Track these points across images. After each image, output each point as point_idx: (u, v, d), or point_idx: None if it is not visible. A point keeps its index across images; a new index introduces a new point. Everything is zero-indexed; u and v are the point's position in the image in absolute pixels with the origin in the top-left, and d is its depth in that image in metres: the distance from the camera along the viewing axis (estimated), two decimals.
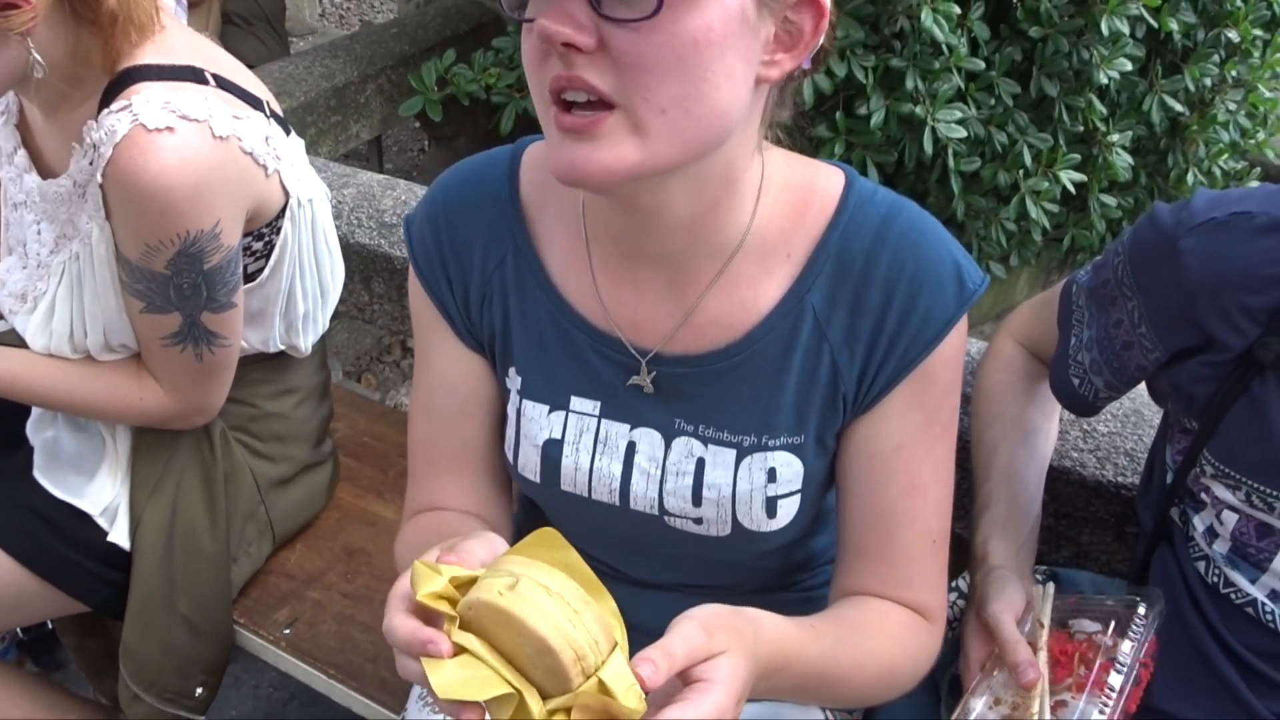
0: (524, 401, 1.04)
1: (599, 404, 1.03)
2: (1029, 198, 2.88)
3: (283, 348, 1.53)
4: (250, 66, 1.43)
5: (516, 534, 1.22)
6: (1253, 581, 1.04)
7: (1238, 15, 3.00)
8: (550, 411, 1.04)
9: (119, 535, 1.44)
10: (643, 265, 0.98)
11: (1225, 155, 3.41)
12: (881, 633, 0.98)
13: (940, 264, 0.94)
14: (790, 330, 0.97)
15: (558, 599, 0.66)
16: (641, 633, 1.09)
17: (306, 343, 1.55)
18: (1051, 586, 1.12)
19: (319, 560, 1.65)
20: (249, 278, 1.39)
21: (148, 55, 1.24)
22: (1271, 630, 1.02)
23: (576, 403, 1.03)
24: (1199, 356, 1.03)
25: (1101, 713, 0.96)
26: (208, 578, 1.48)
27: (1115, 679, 0.98)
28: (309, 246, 1.45)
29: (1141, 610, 1.02)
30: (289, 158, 1.36)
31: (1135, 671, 1.00)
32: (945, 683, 1.23)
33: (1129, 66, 2.78)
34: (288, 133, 1.41)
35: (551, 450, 1.04)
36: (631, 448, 1.03)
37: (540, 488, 1.07)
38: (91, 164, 1.21)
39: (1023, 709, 1.00)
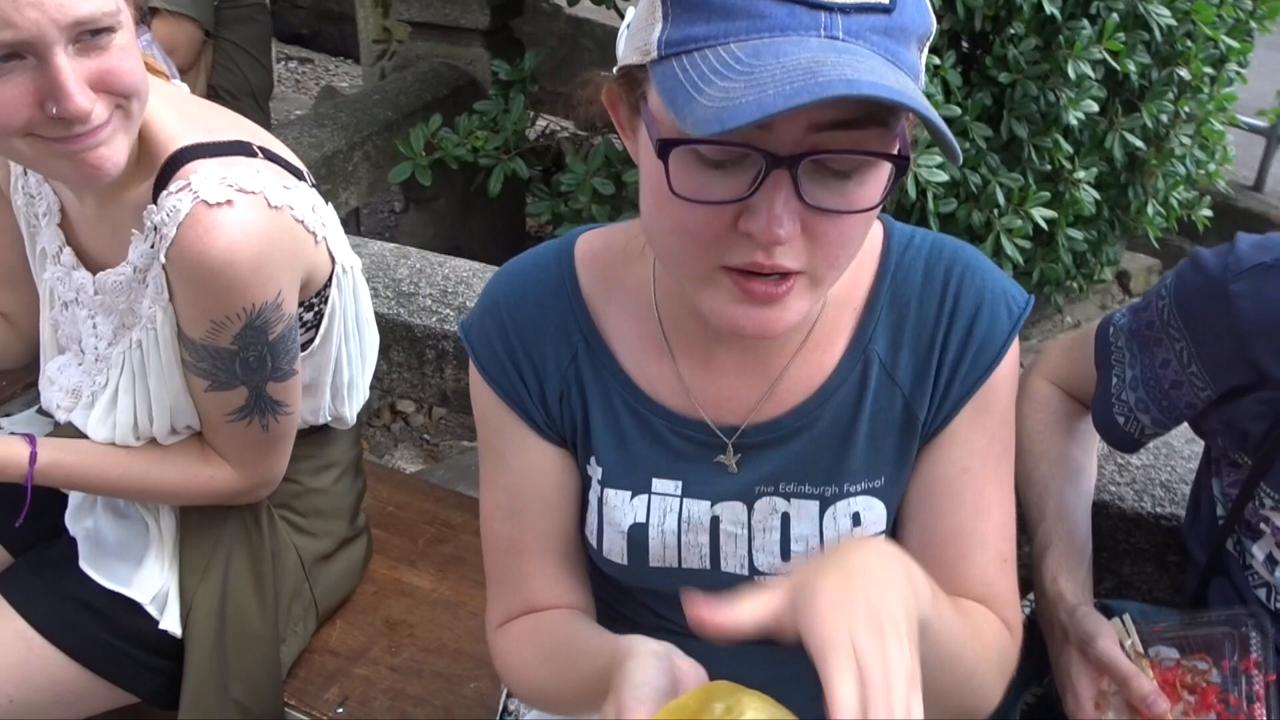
0: (605, 490, 1.06)
1: (680, 484, 1.05)
2: (1002, 235, 2.98)
3: (329, 419, 1.53)
4: None
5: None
6: None
7: (1189, 55, 3.15)
8: (633, 497, 1.05)
9: (170, 622, 1.41)
10: (731, 347, 1.01)
11: (1180, 186, 3.56)
12: (982, 620, 0.99)
13: (987, 289, 0.99)
14: (859, 380, 1.01)
15: None
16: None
17: (352, 412, 1.55)
18: (1129, 618, 1.15)
19: (361, 636, 1.63)
20: (302, 347, 1.39)
21: (193, 135, 1.25)
22: None
23: (658, 484, 1.05)
24: (1254, 394, 1.09)
25: None
26: (258, 660, 1.46)
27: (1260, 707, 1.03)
28: (353, 313, 1.46)
29: (1254, 634, 1.07)
30: (331, 225, 1.38)
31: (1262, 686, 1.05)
32: (1016, 715, 1.26)
33: (1095, 107, 2.91)
34: (326, 202, 1.43)
35: (636, 533, 1.05)
36: (715, 522, 1.05)
37: (628, 569, 1.08)
38: (153, 247, 1.21)
39: None
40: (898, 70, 0.75)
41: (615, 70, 0.88)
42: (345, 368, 1.48)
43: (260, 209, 1.20)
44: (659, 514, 1.05)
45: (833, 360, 1.01)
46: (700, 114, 0.71)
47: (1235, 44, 3.35)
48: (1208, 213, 3.80)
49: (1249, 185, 4.91)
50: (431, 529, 1.85)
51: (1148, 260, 4.63)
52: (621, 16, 2.78)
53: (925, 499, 1.03)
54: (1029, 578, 1.26)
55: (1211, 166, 3.66)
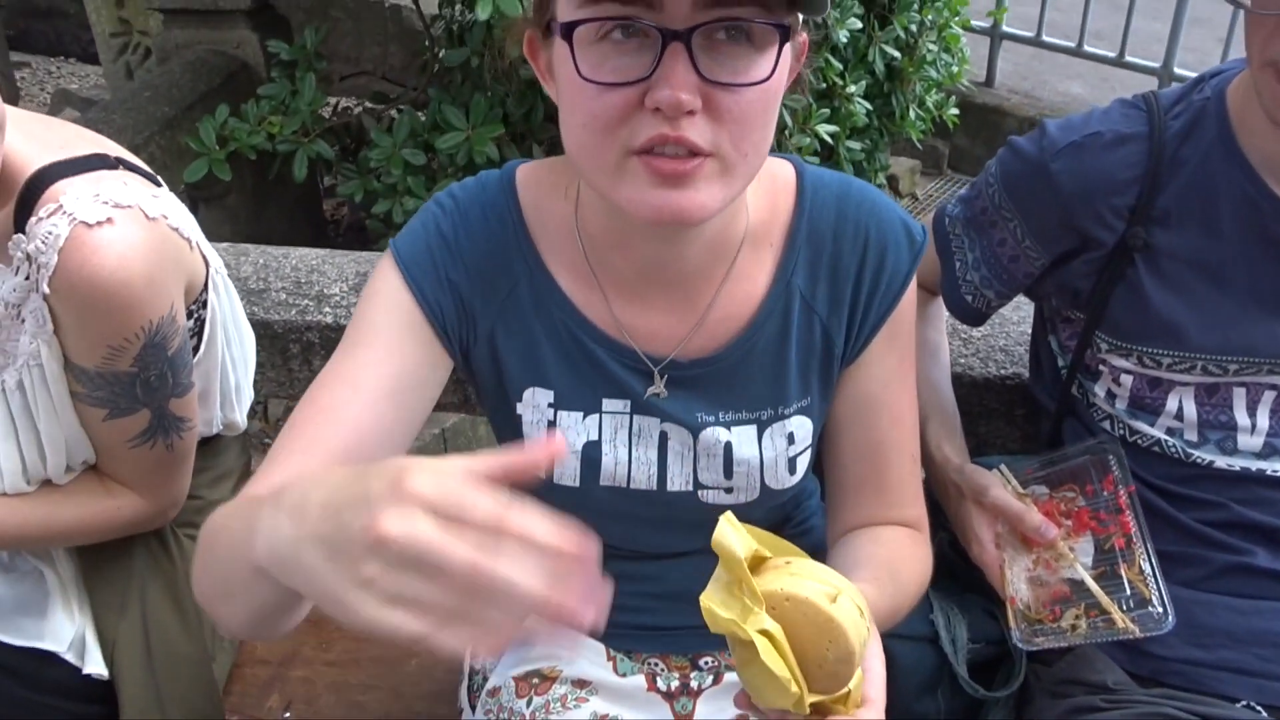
0: (559, 413, 1.11)
1: (629, 402, 1.12)
2: (794, 153, 3.18)
3: (221, 427, 1.49)
4: None
5: None
6: (1151, 425, 1.29)
7: None
8: (585, 417, 1.11)
9: (94, 665, 1.35)
10: (656, 281, 1.08)
11: (934, 89, 3.90)
12: (905, 561, 1.14)
13: (893, 226, 1.11)
14: (784, 312, 1.10)
15: (864, 619, 0.81)
16: (671, 599, 1.20)
17: (242, 415, 1.51)
18: (1004, 467, 1.33)
19: (288, 640, 1.61)
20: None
21: (48, 153, 1.18)
22: (1176, 459, 1.28)
23: (609, 404, 1.11)
24: (1081, 256, 1.27)
25: (1108, 542, 1.20)
26: (193, 682, 1.42)
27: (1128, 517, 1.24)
28: (230, 313, 1.42)
29: (1110, 457, 1.26)
30: (196, 228, 1.34)
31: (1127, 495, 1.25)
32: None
33: (858, 24, 3.13)
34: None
35: (591, 451, 1.12)
36: (664, 437, 1.13)
37: (577, 490, 1.14)
38: (28, 279, 1.14)
39: (1056, 560, 1.23)
40: None
41: (531, 18, 0.95)
42: (231, 372, 1.45)
43: (140, 222, 1.16)
44: (610, 430, 1.11)
45: (758, 294, 1.10)
46: None
47: None
48: (955, 111, 4.18)
49: (981, 82, 5.40)
50: None
51: (909, 162, 5.02)
52: None
53: (852, 415, 1.15)
54: None
55: (955, 68, 4.02)
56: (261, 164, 2.90)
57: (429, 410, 1.08)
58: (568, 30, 0.85)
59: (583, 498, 1.15)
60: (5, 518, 1.25)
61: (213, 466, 1.51)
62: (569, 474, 1.13)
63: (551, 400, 1.12)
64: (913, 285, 1.12)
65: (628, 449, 1.12)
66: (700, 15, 0.83)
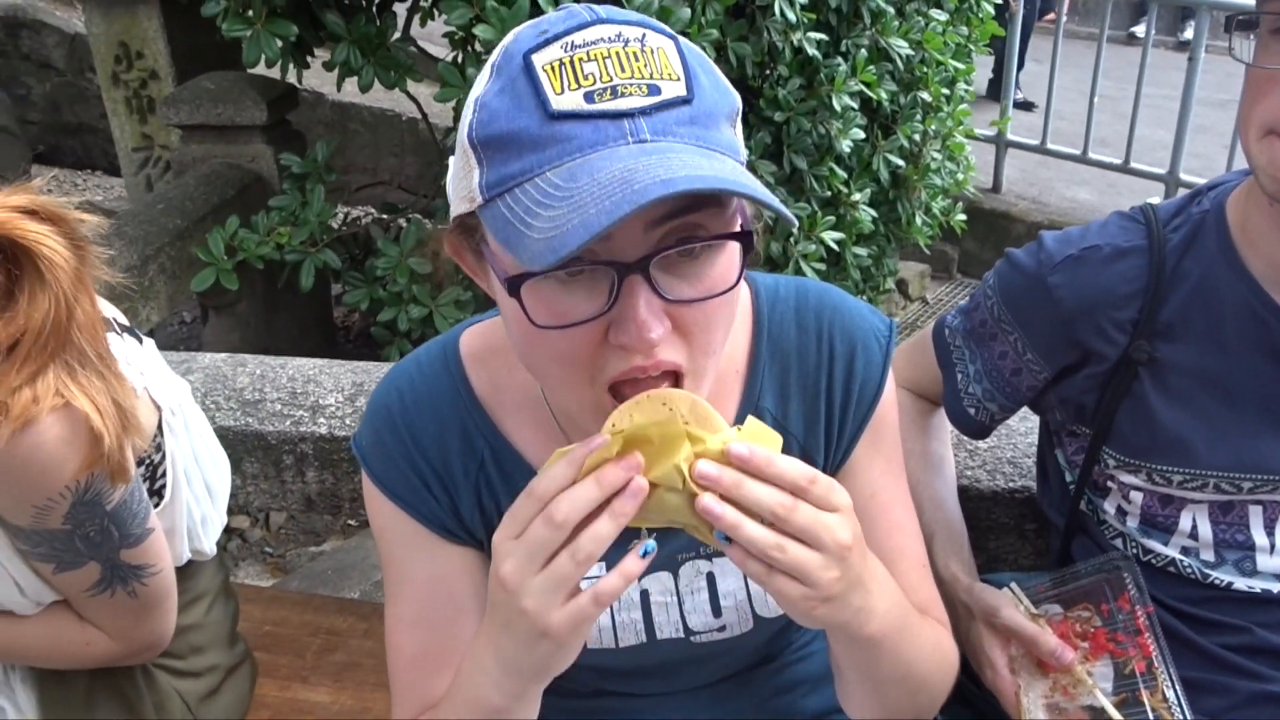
0: None
1: (603, 565, 1.07)
2: (800, 260, 3.20)
3: (191, 554, 1.45)
4: None
5: None
6: (1165, 544, 1.24)
7: (927, 79, 3.51)
8: None
9: None
10: None
11: (939, 196, 3.94)
12: (929, 622, 1.05)
13: (857, 328, 1.06)
14: None
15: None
16: None
17: (210, 543, 1.47)
18: (1015, 586, 1.28)
19: None
20: (157, 502, 1.31)
21: None
22: (1193, 580, 1.22)
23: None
24: (1083, 370, 1.24)
25: (1128, 666, 1.14)
26: None
27: (1147, 638, 1.17)
28: (189, 451, 1.39)
29: (1125, 575, 1.20)
30: (149, 369, 1.31)
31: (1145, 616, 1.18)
32: None
33: (861, 134, 3.18)
34: (140, 341, 1.36)
35: None
36: (645, 596, 1.08)
37: None
38: None
39: (1075, 686, 1.16)
40: (712, 154, 0.77)
41: (450, 221, 0.89)
42: (195, 507, 1.41)
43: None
44: None
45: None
46: (533, 249, 0.72)
47: (961, 65, 3.77)
48: (962, 217, 4.22)
49: (989, 188, 5.47)
50: (317, 640, 1.77)
51: (919, 266, 5.05)
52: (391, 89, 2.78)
53: None
54: None
55: (960, 175, 4.07)
56: (271, 273, 2.93)
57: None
58: (514, 285, 0.78)
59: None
60: None
61: (185, 591, 1.46)
62: None
63: None
64: (890, 385, 1.07)
65: (610, 615, 1.07)
66: (653, 237, 0.77)
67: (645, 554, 0.78)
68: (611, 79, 0.76)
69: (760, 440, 0.78)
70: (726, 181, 0.72)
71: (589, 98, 0.75)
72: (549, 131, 0.75)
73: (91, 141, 6.24)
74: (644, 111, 0.76)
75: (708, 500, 0.76)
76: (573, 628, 0.77)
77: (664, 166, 0.72)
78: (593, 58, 0.76)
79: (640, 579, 1.06)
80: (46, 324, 1.06)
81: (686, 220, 0.77)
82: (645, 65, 0.77)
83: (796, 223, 0.79)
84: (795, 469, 0.78)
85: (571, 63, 0.76)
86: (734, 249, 0.81)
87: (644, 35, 0.79)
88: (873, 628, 0.87)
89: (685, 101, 0.77)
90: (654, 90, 0.76)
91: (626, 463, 0.76)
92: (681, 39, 0.82)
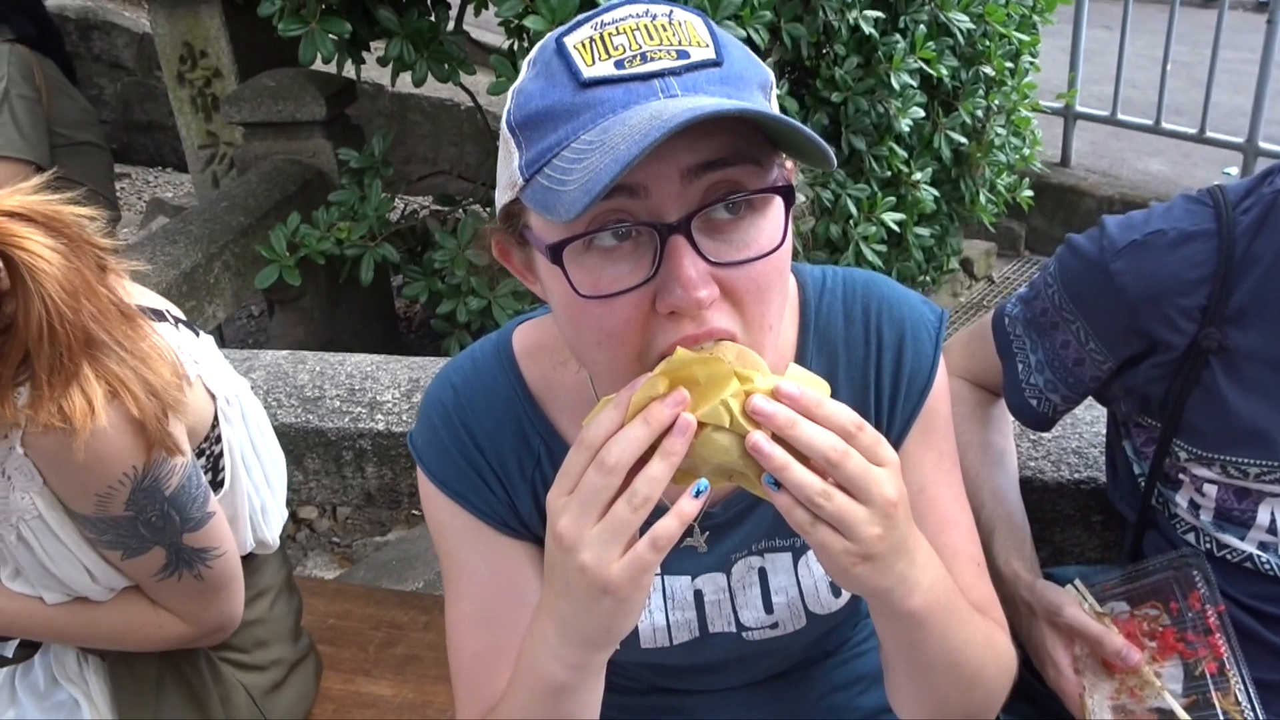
0: None
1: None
2: (860, 243, 3.14)
3: (254, 545, 1.48)
4: None
5: None
6: (1241, 539, 1.19)
7: (989, 53, 3.41)
8: None
9: None
10: None
11: (1004, 173, 3.83)
12: (982, 616, 1.01)
13: (905, 317, 1.03)
14: None
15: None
16: None
17: (274, 535, 1.50)
18: (1079, 582, 1.24)
19: None
20: (217, 488, 1.34)
21: None
22: (1270, 576, 1.17)
23: None
24: (1149, 360, 1.19)
25: (1198, 667, 1.10)
26: None
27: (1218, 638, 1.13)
28: (247, 440, 1.42)
29: (1195, 572, 1.16)
30: (205, 360, 1.33)
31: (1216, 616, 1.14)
32: None
33: (920, 113, 3.11)
34: (196, 334, 1.38)
35: None
36: (699, 595, 1.07)
37: (619, 652, 1.09)
38: (6, 436, 1.13)
39: (1142, 687, 1.12)
40: (742, 99, 0.77)
41: (497, 214, 0.88)
42: (254, 495, 1.44)
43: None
44: None
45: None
46: (568, 200, 0.72)
47: (1025, 37, 3.65)
48: (1029, 193, 4.10)
49: (1057, 162, 5.31)
50: (379, 633, 1.80)
51: (984, 245, 4.93)
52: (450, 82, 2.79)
53: None
54: None
55: (1025, 151, 3.95)
56: (333, 267, 2.97)
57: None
58: (556, 252, 0.78)
59: (626, 658, 1.11)
60: (51, 615, 1.25)
61: (250, 586, 1.49)
62: None
63: None
64: (941, 376, 1.05)
65: (664, 614, 1.07)
66: (691, 194, 0.76)
67: (698, 493, 0.76)
68: (640, 47, 0.77)
69: (808, 385, 0.77)
70: (757, 108, 0.73)
71: (619, 64, 0.76)
72: (581, 99, 0.76)
73: (162, 139, 6.40)
74: (674, 72, 0.76)
75: (757, 437, 0.74)
76: (632, 578, 0.75)
77: (694, 103, 0.73)
78: (621, 31, 0.78)
79: (694, 578, 1.06)
80: (42, 329, 1.07)
81: (725, 175, 0.77)
82: (674, 34, 0.78)
83: (834, 162, 0.77)
84: (844, 413, 0.77)
85: (601, 38, 0.78)
86: (777, 212, 0.80)
87: (671, 11, 0.79)
88: (916, 601, 0.84)
89: (716, 64, 0.78)
90: (683, 55, 0.77)
91: (673, 398, 0.75)
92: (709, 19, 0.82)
